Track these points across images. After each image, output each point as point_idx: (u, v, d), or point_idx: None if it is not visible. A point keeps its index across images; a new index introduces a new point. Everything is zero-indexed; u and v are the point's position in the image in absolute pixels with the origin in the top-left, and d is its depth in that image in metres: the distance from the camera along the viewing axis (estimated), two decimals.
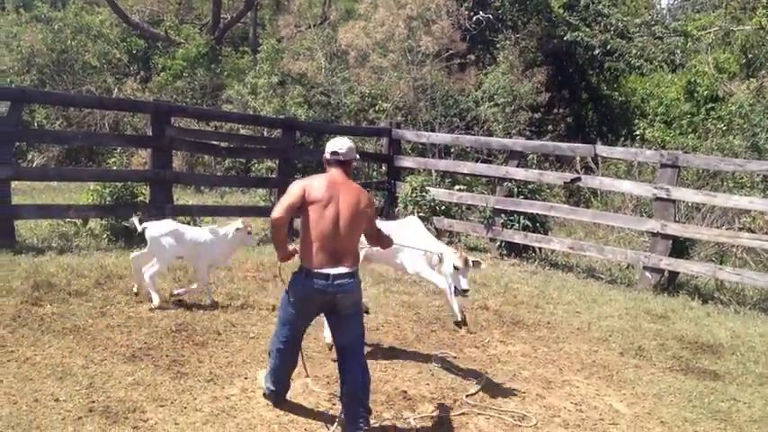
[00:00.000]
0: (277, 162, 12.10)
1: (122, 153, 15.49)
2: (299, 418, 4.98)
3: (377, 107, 16.74)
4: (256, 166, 15.49)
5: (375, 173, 14.63)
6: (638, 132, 17.47)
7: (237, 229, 7.12)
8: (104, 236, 9.65)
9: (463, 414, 5.29)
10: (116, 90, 18.66)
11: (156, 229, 6.92)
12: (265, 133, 14.77)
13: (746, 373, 6.69)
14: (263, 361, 5.78)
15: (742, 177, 12.93)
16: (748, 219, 11.54)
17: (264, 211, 10.48)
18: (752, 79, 16.33)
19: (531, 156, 13.56)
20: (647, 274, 9.78)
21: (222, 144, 12.22)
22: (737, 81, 16.96)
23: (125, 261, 8.06)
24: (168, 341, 6.16)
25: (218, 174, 15.56)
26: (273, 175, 13.19)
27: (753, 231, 10.77)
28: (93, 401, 4.92)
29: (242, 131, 14.88)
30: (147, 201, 9.92)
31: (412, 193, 11.86)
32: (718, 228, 10.87)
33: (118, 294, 7.21)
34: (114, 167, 12.98)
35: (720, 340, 7.57)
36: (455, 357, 6.46)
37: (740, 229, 10.90)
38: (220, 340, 6.32)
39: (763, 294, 9.68)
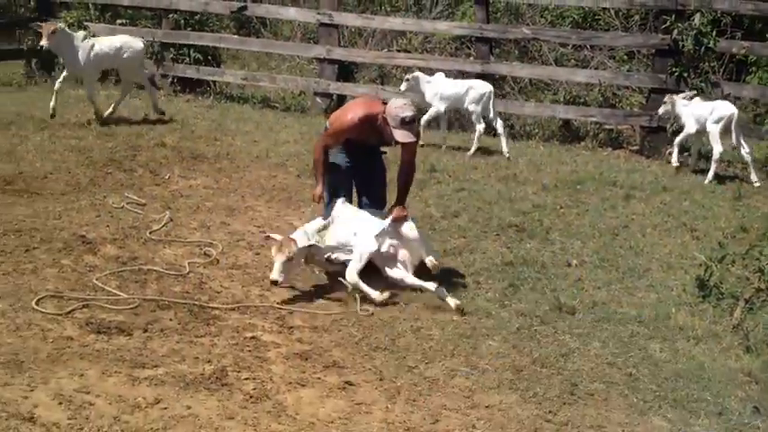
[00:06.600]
0: None
1: None
2: None
3: None
4: None
5: (22, 9, 13.06)
6: None
7: None
8: None
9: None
10: None
11: None
12: None
13: None
14: None
15: (398, 1, 13.69)
16: (405, 41, 12.39)
17: None
18: None
19: None
20: (318, 99, 10.22)
21: None
22: None
23: None
24: None
25: None
26: None
27: (408, 52, 11.61)
28: None
29: None
30: None
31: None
32: (378, 51, 11.55)
33: None
34: None
35: None
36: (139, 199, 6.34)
37: (397, 51, 11.70)
38: None
39: None
